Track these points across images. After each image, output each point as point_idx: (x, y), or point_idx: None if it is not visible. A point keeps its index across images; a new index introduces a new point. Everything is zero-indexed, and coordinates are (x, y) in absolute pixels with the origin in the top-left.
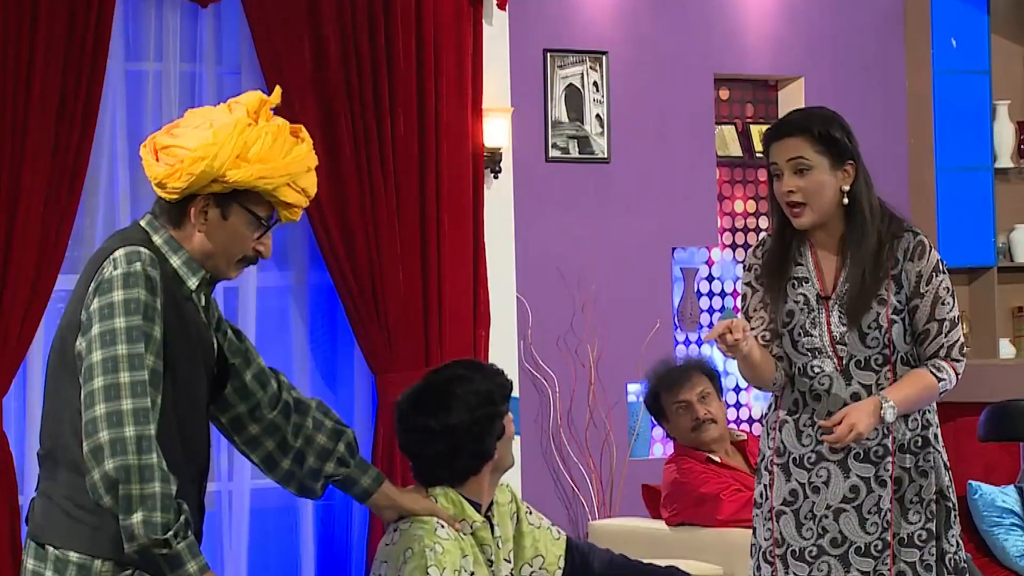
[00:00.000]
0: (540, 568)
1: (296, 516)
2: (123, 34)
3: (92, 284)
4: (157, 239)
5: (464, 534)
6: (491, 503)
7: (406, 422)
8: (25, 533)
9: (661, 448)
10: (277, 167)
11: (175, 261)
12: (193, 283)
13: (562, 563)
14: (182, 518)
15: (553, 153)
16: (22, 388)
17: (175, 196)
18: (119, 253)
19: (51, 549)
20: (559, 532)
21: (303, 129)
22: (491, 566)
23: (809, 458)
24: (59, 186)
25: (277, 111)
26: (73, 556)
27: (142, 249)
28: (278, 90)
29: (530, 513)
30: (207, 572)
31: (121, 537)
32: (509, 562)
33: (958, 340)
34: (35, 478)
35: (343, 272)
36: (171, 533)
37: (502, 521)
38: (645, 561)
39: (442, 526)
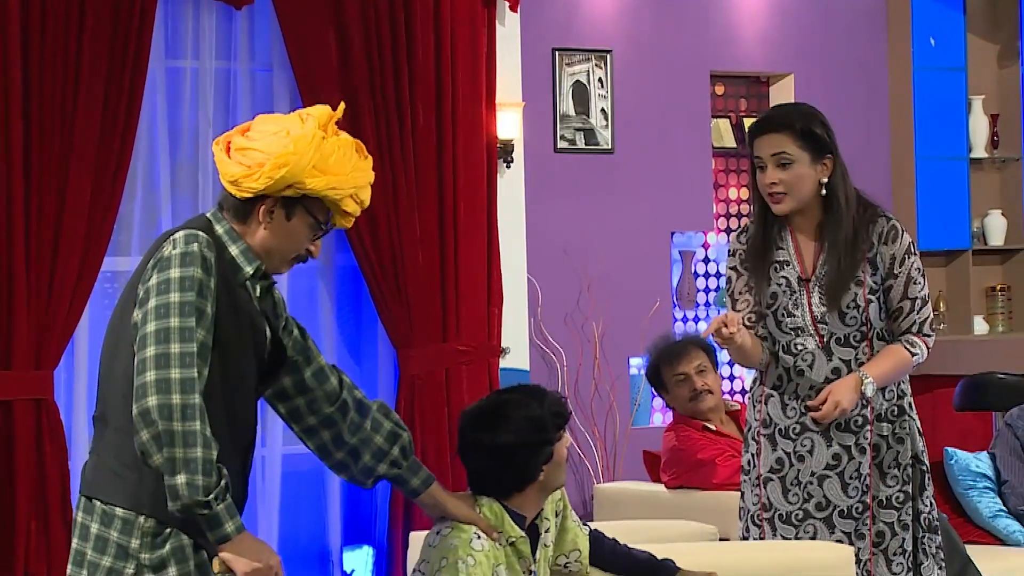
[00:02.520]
0: (576, 560)
1: (324, 480)
2: (163, 34)
3: (151, 261)
4: (219, 228)
5: (500, 544)
6: (538, 514)
7: (463, 434)
8: (77, 491)
9: (661, 417)
10: (346, 179)
11: (233, 250)
12: (248, 271)
13: (587, 556)
14: (223, 482)
15: (561, 144)
16: (70, 362)
17: (247, 195)
18: (179, 235)
19: (98, 503)
20: (584, 527)
21: (363, 146)
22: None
23: (794, 429)
24: (104, 175)
25: (307, 104)
26: (119, 511)
27: (200, 232)
28: (342, 106)
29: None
30: (243, 531)
31: (160, 496)
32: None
33: (928, 316)
34: (83, 444)
35: (367, 254)
36: (212, 496)
37: (550, 516)
38: (632, 546)
39: (479, 536)
